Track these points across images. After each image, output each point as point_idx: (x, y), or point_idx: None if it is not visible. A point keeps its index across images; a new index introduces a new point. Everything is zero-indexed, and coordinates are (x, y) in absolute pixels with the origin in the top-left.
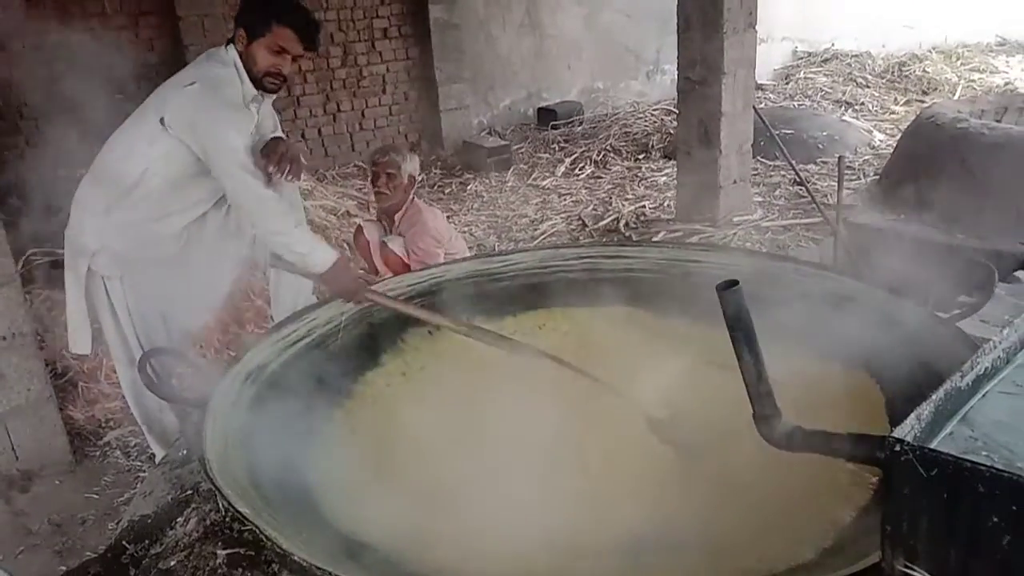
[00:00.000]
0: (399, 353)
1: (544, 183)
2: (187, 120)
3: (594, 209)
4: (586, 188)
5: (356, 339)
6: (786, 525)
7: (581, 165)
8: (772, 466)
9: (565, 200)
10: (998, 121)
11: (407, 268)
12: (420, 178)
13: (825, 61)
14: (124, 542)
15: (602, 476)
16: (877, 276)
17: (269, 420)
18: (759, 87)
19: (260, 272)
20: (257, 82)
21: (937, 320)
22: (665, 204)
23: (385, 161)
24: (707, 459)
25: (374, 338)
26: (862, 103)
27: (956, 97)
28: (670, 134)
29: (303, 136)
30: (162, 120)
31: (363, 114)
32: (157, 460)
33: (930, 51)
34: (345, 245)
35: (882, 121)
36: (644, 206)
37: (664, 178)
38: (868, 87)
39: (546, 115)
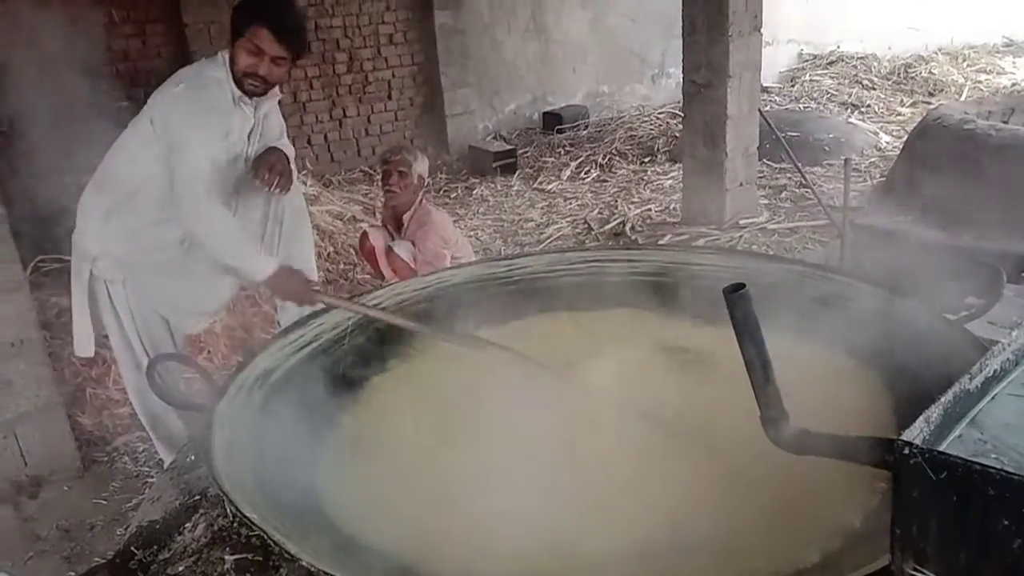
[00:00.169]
0: (406, 358)
1: (550, 187)
2: (165, 119)
3: (600, 213)
4: (592, 192)
5: (363, 344)
6: (794, 527)
7: (587, 169)
8: (779, 468)
9: (571, 204)
10: (1005, 122)
11: (414, 273)
12: (427, 182)
13: (831, 63)
14: (132, 548)
15: (608, 479)
16: (884, 278)
17: (276, 425)
18: (764, 90)
19: None
20: (239, 83)
21: (945, 322)
22: (671, 207)
23: (397, 159)
24: (713, 460)
25: (381, 343)
26: (868, 105)
27: (963, 98)
28: (675, 137)
29: (309, 142)
30: (152, 122)
31: (369, 119)
32: (165, 465)
33: (936, 52)
34: (351, 250)
35: (888, 123)
36: (650, 209)
37: (670, 181)
38: (874, 89)
39: (551, 119)
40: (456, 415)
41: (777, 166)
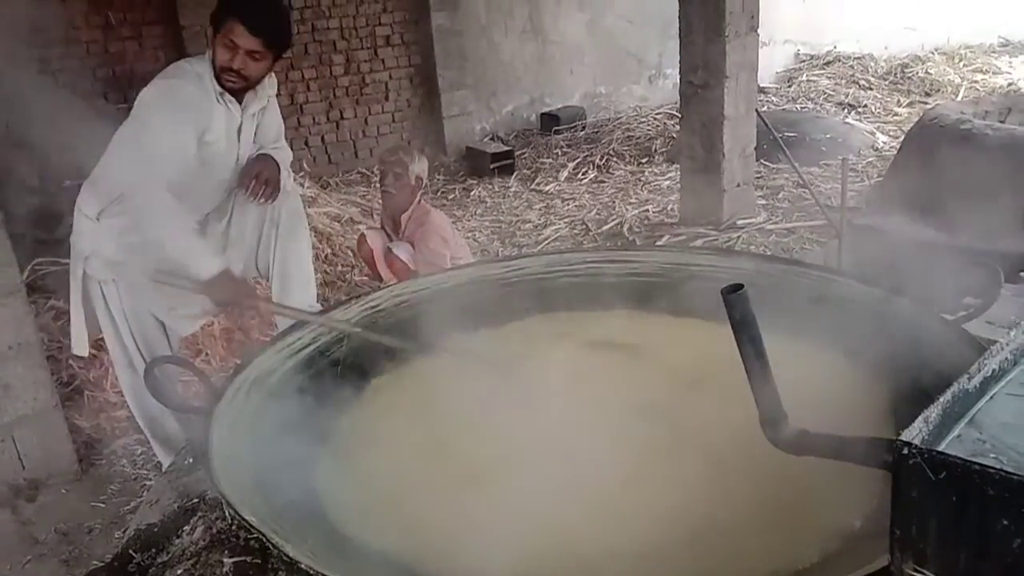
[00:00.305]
0: (407, 359)
1: (547, 188)
2: (137, 106)
3: (598, 214)
4: (589, 193)
5: (363, 345)
6: (793, 528)
7: (584, 170)
8: (778, 468)
9: (569, 205)
10: (1002, 122)
11: (413, 274)
12: (425, 183)
13: (827, 64)
14: (131, 551)
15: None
16: (882, 278)
17: (275, 427)
18: (761, 90)
19: (264, 280)
20: (219, 80)
21: (943, 322)
22: (669, 208)
23: (393, 160)
24: (712, 460)
25: (381, 344)
26: (865, 105)
27: (959, 98)
28: (673, 138)
29: (306, 144)
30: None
31: (366, 121)
32: (163, 468)
33: (932, 52)
34: (349, 252)
35: (885, 123)
36: (648, 210)
37: (667, 182)
38: (871, 89)
39: (549, 120)
40: (456, 416)
41: (774, 166)
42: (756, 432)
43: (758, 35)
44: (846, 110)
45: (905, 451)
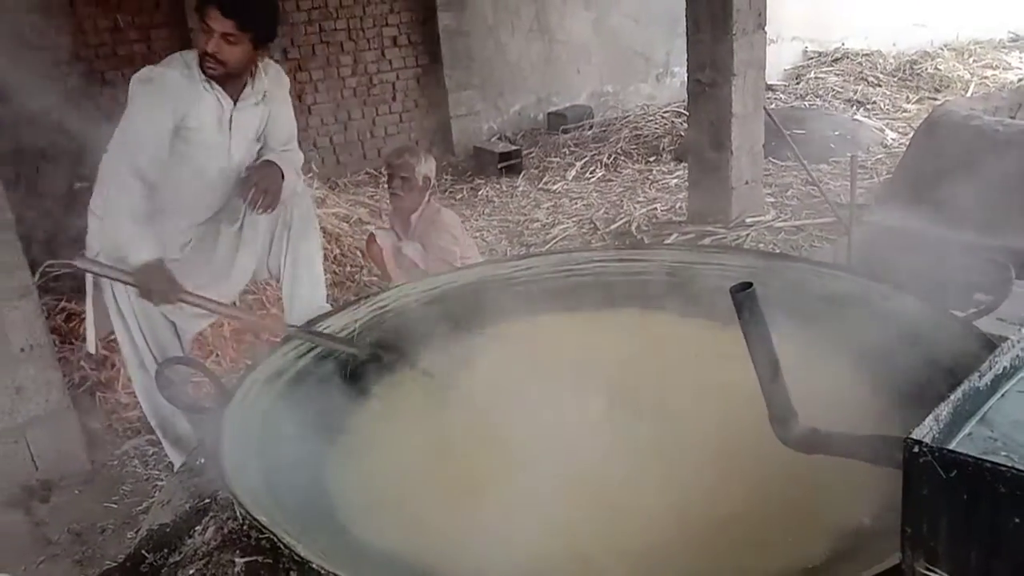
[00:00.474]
0: (416, 360)
1: (555, 187)
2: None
3: (606, 212)
4: (597, 192)
5: (373, 345)
6: (804, 526)
7: (592, 169)
8: (787, 467)
9: (576, 204)
10: (1012, 117)
11: (423, 273)
12: (433, 183)
13: (836, 60)
14: (143, 551)
15: (615, 476)
16: (891, 275)
17: (285, 428)
18: (769, 88)
19: (274, 281)
20: (202, 67)
21: (953, 319)
22: (677, 206)
23: (399, 163)
24: (721, 458)
25: (391, 343)
26: (874, 102)
27: (969, 94)
28: (680, 136)
29: (315, 145)
30: None
31: (374, 122)
32: (175, 468)
33: (942, 48)
34: (358, 252)
35: (894, 120)
36: (656, 209)
37: (675, 180)
38: (880, 86)
39: (556, 119)
40: (465, 416)
41: (783, 164)
42: (764, 430)
43: (765, 32)
44: (855, 107)
45: (916, 449)
